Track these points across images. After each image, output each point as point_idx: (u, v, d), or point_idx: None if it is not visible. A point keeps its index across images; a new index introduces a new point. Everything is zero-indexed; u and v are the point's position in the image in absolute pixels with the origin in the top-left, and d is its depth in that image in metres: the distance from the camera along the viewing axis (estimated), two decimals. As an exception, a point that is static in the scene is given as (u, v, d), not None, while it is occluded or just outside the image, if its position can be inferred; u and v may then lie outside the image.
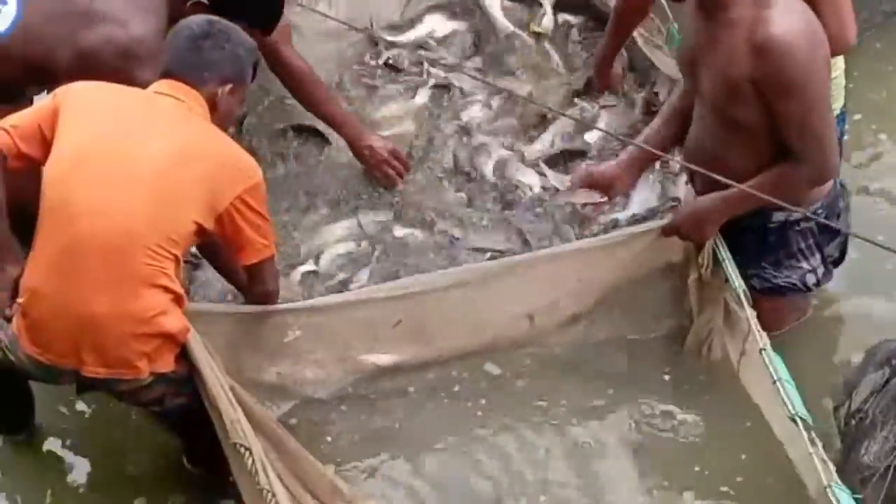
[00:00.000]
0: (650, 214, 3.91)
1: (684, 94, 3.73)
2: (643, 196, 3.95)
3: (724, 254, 3.60)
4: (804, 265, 3.72)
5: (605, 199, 3.80)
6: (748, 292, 3.53)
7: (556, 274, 3.69)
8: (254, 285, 3.49)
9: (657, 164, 3.97)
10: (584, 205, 3.85)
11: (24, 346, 3.24)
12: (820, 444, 3.13)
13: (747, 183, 3.38)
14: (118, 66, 3.51)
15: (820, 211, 3.63)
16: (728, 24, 3.33)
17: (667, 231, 3.66)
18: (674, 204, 3.89)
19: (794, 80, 3.27)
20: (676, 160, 3.85)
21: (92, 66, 3.51)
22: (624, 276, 3.70)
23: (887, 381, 3.37)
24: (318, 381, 3.68)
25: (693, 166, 3.42)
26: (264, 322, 3.58)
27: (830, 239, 3.74)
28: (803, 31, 3.28)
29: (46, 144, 3.27)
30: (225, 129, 3.43)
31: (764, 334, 3.40)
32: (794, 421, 3.17)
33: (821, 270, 3.74)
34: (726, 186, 3.34)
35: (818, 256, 3.72)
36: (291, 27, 4.11)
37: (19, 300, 3.26)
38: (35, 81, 3.67)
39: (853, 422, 3.42)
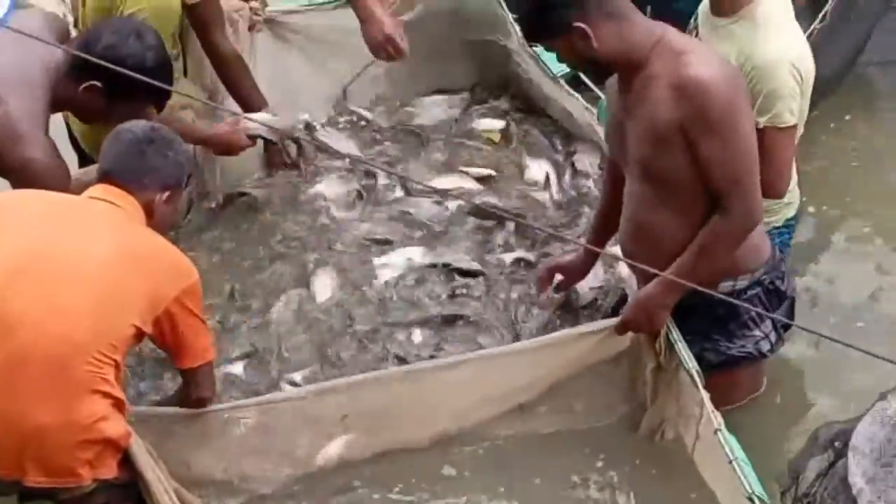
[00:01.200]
0: (599, 294, 3.97)
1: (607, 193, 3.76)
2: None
3: (676, 335, 3.57)
4: (756, 332, 3.71)
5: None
6: (701, 372, 3.49)
7: (507, 369, 3.65)
8: (190, 390, 3.44)
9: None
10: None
11: None
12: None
13: (680, 260, 3.40)
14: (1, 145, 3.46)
15: (764, 276, 3.64)
16: (648, 78, 3.35)
17: (619, 330, 3.62)
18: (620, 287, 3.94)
19: (715, 116, 3.28)
20: (614, 255, 3.86)
21: None
22: (574, 369, 3.66)
23: (832, 464, 3.35)
24: (264, 478, 3.60)
25: (627, 261, 3.43)
26: (208, 420, 3.51)
27: (779, 303, 3.72)
28: (720, 71, 3.31)
29: None
30: (162, 234, 3.37)
31: (718, 415, 3.35)
32: (751, 500, 3.11)
33: (773, 336, 3.73)
34: (666, 267, 3.34)
35: (769, 323, 3.70)
36: None
37: None
38: None
39: (801, 506, 3.40)
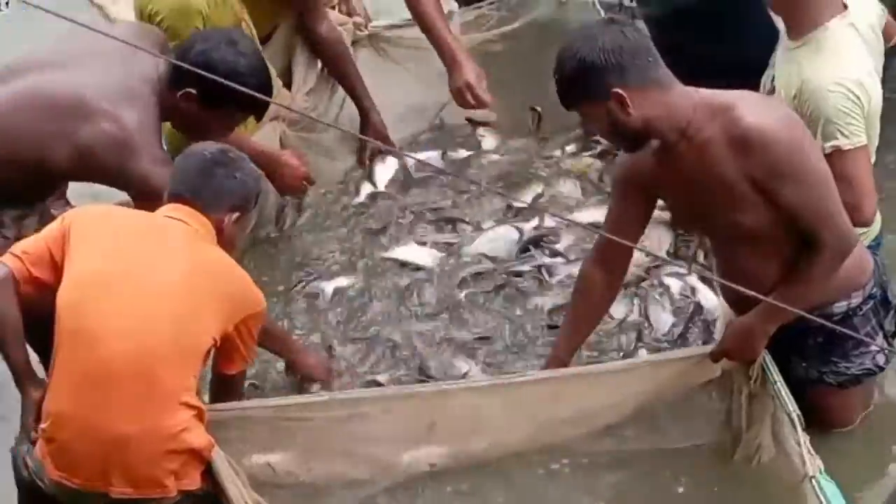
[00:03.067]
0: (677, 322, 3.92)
1: (586, 288, 3.64)
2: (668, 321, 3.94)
3: (775, 375, 3.45)
4: (872, 348, 3.60)
5: None
6: (800, 415, 3.36)
7: (595, 388, 3.58)
8: (226, 394, 3.44)
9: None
10: None
11: (50, 471, 3.14)
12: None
13: (779, 290, 3.30)
14: (115, 160, 3.52)
15: (874, 289, 3.55)
16: (703, 143, 3.23)
17: (716, 356, 3.50)
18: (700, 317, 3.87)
19: (784, 161, 3.17)
20: (715, 278, 3.77)
21: (89, 162, 3.53)
22: (663, 392, 3.57)
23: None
24: (352, 482, 3.56)
25: (731, 284, 3.28)
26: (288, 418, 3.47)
27: (886, 313, 3.63)
28: (772, 114, 3.22)
29: (57, 269, 3.21)
30: (230, 254, 3.37)
31: (816, 458, 3.23)
32: None
33: (885, 347, 3.62)
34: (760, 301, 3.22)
35: (881, 334, 3.61)
36: None
37: (42, 425, 3.15)
38: (26, 179, 3.64)
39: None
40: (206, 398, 3.43)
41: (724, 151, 3.20)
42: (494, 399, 3.54)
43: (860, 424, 3.82)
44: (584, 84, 3.23)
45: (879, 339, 3.62)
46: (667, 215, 4.00)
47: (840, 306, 3.53)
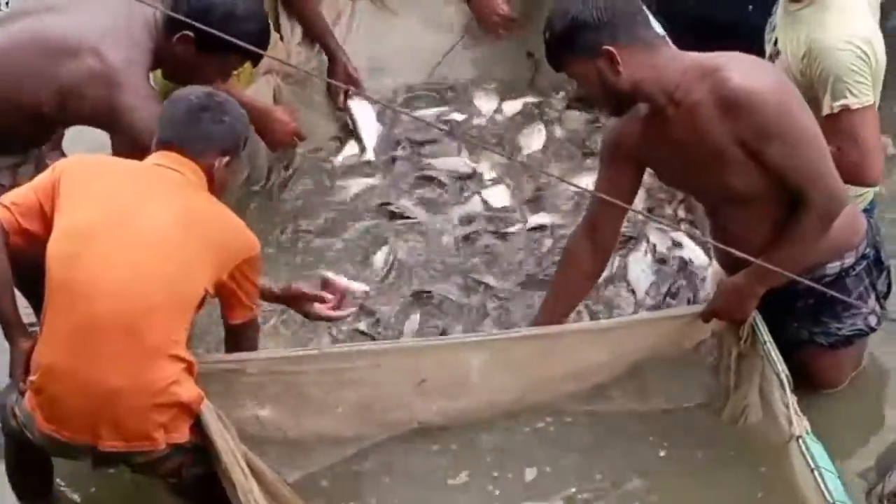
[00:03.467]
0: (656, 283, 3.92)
1: (572, 259, 3.63)
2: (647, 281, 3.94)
3: (765, 336, 3.45)
4: (864, 309, 3.61)
5: None
6: (789, 376, 3.37)
7: (585, 346, 3.58)
8: (236, 345, 3.43)
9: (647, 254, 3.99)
10: None
11: (40, 423, 3.14)
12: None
13: (773, 252, 3.28)
14: (99, 94, 3.49)
15: (867, 249, 3.54)
16: (692, 106, 3.22)
17: (706, 316, 3.51)
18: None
19: (771, 121, 3.16)
20: (707, 240, 3.76)
21: (74, 99, 3.51)
22: (652, 352, 3.56)
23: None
24: (340, 438, 3.56)
25: (723, 246, 3.29)
26: (279, 372, 3.47)
27: (879, 274, 3.63)
28: (760, 74, 3.22)
29: (47, 220, 3.19)
30: (221, 199, 3.35)
31: (804, 420, 3.24)
32: None
33: (877, 309, 3.63)
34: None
35: (873, 296, 3.62)
36: None
37: (32, 377, 3.15)
38: (21, 124, 3.63)
39: (887, 504, 3.28)
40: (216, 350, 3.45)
41: (712, 113, 3.19)
42: (483, 355, 3.54)
43: (849, 385, 3.83)
44: (574, 42, 3.22)
45: (871, 301, 3.64)
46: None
47: (833, 267, 3.53)
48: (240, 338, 3.42)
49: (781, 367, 3.39)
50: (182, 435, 3.17)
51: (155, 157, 3.29)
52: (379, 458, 3.59)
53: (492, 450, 3.60)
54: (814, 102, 3.43)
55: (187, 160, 3.26)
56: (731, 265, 3.50)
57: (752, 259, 3.08)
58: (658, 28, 3.43)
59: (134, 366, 3.10)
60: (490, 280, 4.00)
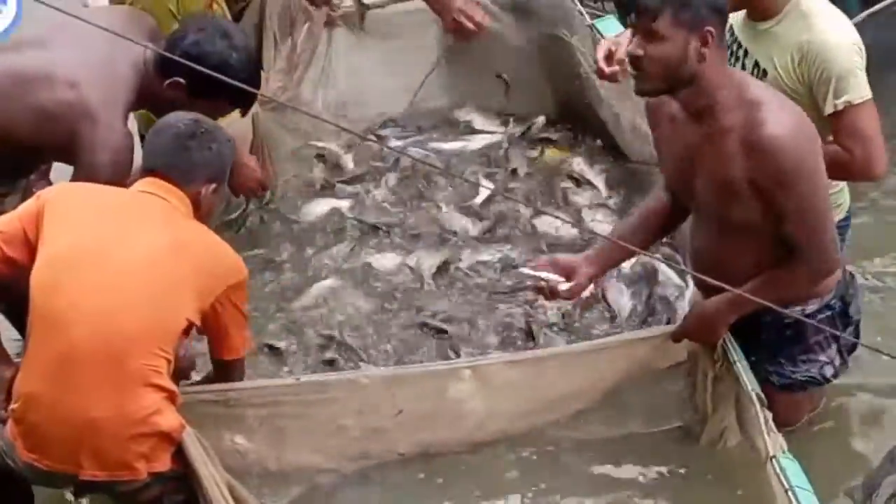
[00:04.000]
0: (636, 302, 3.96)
1: (658, 197, 3.62)
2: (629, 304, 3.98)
3: (736, 355, 3.46)
4: (821, 357, 3.58)
5: (566, 283, 3.58)
6: (762, 395, 3.38)
7: (562, 372, 3.57)
8: (219, 381, 3.42)
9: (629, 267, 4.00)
10: (543, 285, 3.62)
11: (21, 452, 3.14)
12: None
13: (751, 284, 3.28)
14: (69, 123, 3.47)
15: (833, 300, 3.51)
16: (720, 130, 3.22)
17: (676, 337, 3.53)
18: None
19: (788, 174, 3.16)
20: (685, 269, 3.76)
21: (46, 125, 3.49)
22: (629, 376, 3.58)
23: (909, 482, 3.19)
24: (318, 469, 3.55)
25: (700, 276, 3.31)
26: (258, 403, 3.47)
27: (845, 326, 3.59)
28: (794, 126, 3.18)
29: (31, 248, 3.19)
30: (207, 225, 3.36)
31: (779, 437, 3.24)
32: None
33: (837, 361, 3.60)
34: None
35: (834, 347, 3.58)
36: None
37: (13, 405, 3.15)
38: (9, 157, 3.61)
39: (873, 524, 3.23)
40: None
41: (736, 148, 3.19)
42: (460, 385, 3.54)
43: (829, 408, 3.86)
44: (690, 6, 3.17)
45: (831, 352, 3.61)
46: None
47: (794, 310, 3.47)
48: (225, 375, 3.44)
49: (753, 387, 3.41)
50: (163, 464, 3.17)
51: (141, 185, 3.29)
52: (360, 489, 3.59)
53: (475, 478, 3.59)
54: (813, 108, 3.47)
55: (173, 187, 3.26)
56: (707, 288, 3.51)
57: (730, 289, 3.08)
58: None
59: (114, 395, 3.10)
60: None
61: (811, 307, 3.50)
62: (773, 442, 3.25)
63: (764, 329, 3.52)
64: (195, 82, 3.50)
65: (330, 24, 4.80)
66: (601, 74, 3.90)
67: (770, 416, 3.33)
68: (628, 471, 3.60)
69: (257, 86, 3.72)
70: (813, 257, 3.30)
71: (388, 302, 4.09)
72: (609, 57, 3.85)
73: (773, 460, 3.21)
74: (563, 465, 3.61)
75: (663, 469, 3.59)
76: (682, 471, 3.59)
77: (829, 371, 3.62)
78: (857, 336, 3.64)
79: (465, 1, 4.46)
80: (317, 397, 3.50)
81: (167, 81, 3.57)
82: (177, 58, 3.37)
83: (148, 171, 3.29)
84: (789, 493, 3.11)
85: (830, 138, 3.53)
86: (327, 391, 3.52)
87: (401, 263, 4.23)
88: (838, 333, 3.53)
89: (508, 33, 4.71)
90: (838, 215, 3.70)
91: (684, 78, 3.19)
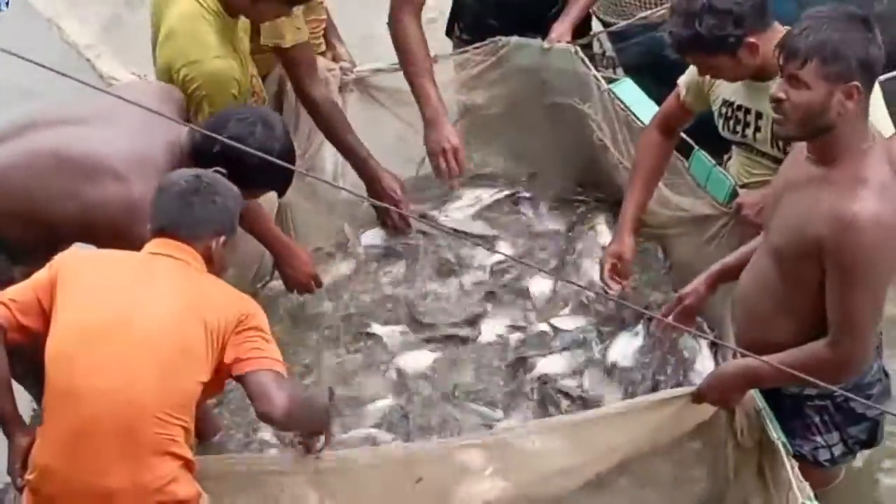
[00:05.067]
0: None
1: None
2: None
3: (761, 403, 3.44)
4: (818, 439, 3.55)
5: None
6: (787, 443, 3.36)
7: (582, 437, 3.55)
8: (257, 407, 3.18)
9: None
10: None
11: None
12: None
13: (777, 356, 3.24)
14: (121, 221, 3.48)
15: (836, 394, 3.45)
16: (826, 180, 3.18)
17: (696, 399, 3.50)
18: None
19: (853, 260, 3.12)
20: (718, 341, 3.76)
21: (96, 221, 3.52)
22: (651, 439, 3.54)
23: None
24: None
25: (728, 345, 3.37)
26: (276, 478, 3.41)
27: (855, 421, 3.55)
28: (884, 217, 3.11)
29: (45, 316, 3.20)
30: (222, 278, 3.37)
31: (806, 485, 3.21)
32: None
33: (838, 449, 3.56)
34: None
35: (836, 435, 3.55)
36: None
37: (28, 475, 3.15)
38: (37, 236, 3.60)
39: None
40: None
41: (825, 209, 3.16)
42: (481, 456, 3.51)
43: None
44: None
45: (831, 437, 3.57)
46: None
47: (793, 387, 3.51)
48: (252, 396, 3.21)
49: (780, 435, 3.39)
50: (182, 532, 3.15)
51: (151, 246, 3.30)
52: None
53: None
54: None
55: (184, 245, 3.27)
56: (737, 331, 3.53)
57: (755, 357, 3.07)
58: None
59: (129, 467, 3.10)
60: None
61: (809, 390, 3.49)
62: (801, 488, 3.23)
63: (768, 393, 3.51)
64: (237, 172, 3.44)
65: (343, 88, 4.80)
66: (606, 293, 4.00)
67: (796, 464, 3.31)
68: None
69: (291, 175, 3.73)
70: (844, 344, 3.23)
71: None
72: (613, 271, 3.95)
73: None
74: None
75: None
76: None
77: (823, 455, 3.58)
78: (874, 435, 3.63)
79: (460, 140, 4.44)
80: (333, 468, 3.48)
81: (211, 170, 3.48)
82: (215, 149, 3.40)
83: (156, 231, 3.31)
84: None
85: None
86: (343, 463, 3.49)
87: None
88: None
89: (521, 104, 4.73)
90: None
91: (822, 127, 3.17)
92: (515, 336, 4.19)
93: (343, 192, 4.48)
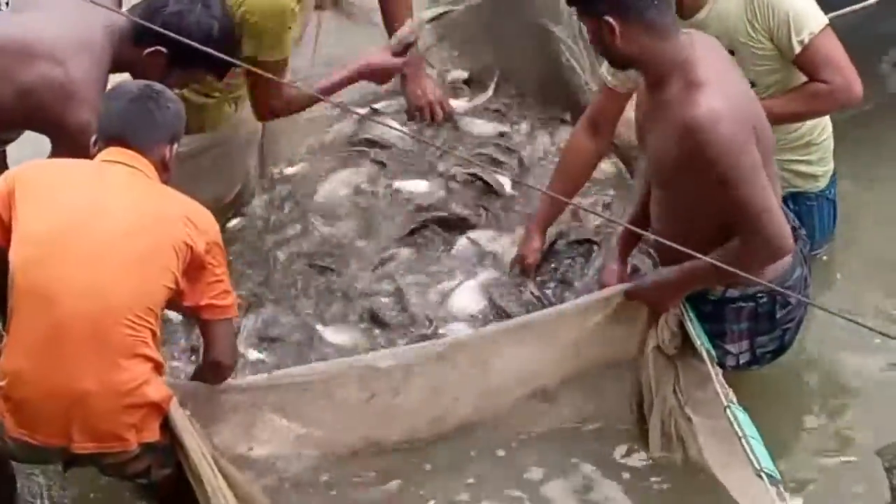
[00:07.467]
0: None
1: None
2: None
3: (689, 314, 3.56)
4: (728, 347, 3.66)
5: None
6: (712, 351, 3.48)
7: (527, 341, 3.63)
8: (207, 351, 3.40)
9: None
10: None
11: (10, 429, 3.22)
12: (788, 498, 3.10)
13: (702, 263, 3.31)
14: (55, 104, 3.48)
15: (760, 295, 3.57)
16: (664, 104, 3.38)
17: (630, 294, 3.63)
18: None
19: (715, 159, 3.27)
20: (646, 233, 3.72)
21: (30, 104, 3.50)
22: (592, 343, 3.63)
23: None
24: (289, 458, 3.56)
25: (660, 239, 3.40)
26: (229, 397, 3.49)
27: (767, 330, 3.67)
28: (724, 111, 3.28)
29: (6, 228, 3.24)
30: (171, 186, 3.37)
31: (730, 390, 3.34)
32: (759, 476, 3.12)
33: (745, 358, 3.70)
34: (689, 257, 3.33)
35: (745, 344, 3.67)
36: None
37: (0, 383, 3.22)
38: None
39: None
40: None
41: (671, 128, 3.35)
42: (427, 367, 3.59)
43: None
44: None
45: (741, 345, 3.66)
46: None
47: (718, 290, 3.61)
48: (208, 345, 3.39)
49: (705, 341, 3.52)
50: (153, 433, 3.26)
51: (105, 154, 3.32)
52: (332, 476, 3.62)
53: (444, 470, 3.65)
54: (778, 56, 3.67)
55: (138, 155, 3.30)
56: (665, 256, 3.63)
57: (695, 254, 3.16)
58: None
59: (101, 369, 3.19)
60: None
61: (732, 292, 3.61)
62: (725, 393, 3.37)
63: (703, 301, 3.62)
64: (178, 52, 3.51)
65: (319, 7, 4.79)
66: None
67: (720, 371, 3.45)
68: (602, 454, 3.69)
69: (234, 52, 3.68)
70: (752, 241, 3.37)
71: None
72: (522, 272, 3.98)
73: (727, 410, 3.33)
74: (529, 456, 3.67)
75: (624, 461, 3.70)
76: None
77: (729, 361, 3.68)
78: (782, 346, 3.73)
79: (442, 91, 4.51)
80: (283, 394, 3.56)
81: (148, 50, 3.60)
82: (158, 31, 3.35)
83: (108, 139, 3.32)
84: (742, 440, 3.24)
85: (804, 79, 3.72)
86: (292, 387, 3.57)
87: None
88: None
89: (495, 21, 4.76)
90: (823, 180, 3.81)
91: (619, 59, 3.41)
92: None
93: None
